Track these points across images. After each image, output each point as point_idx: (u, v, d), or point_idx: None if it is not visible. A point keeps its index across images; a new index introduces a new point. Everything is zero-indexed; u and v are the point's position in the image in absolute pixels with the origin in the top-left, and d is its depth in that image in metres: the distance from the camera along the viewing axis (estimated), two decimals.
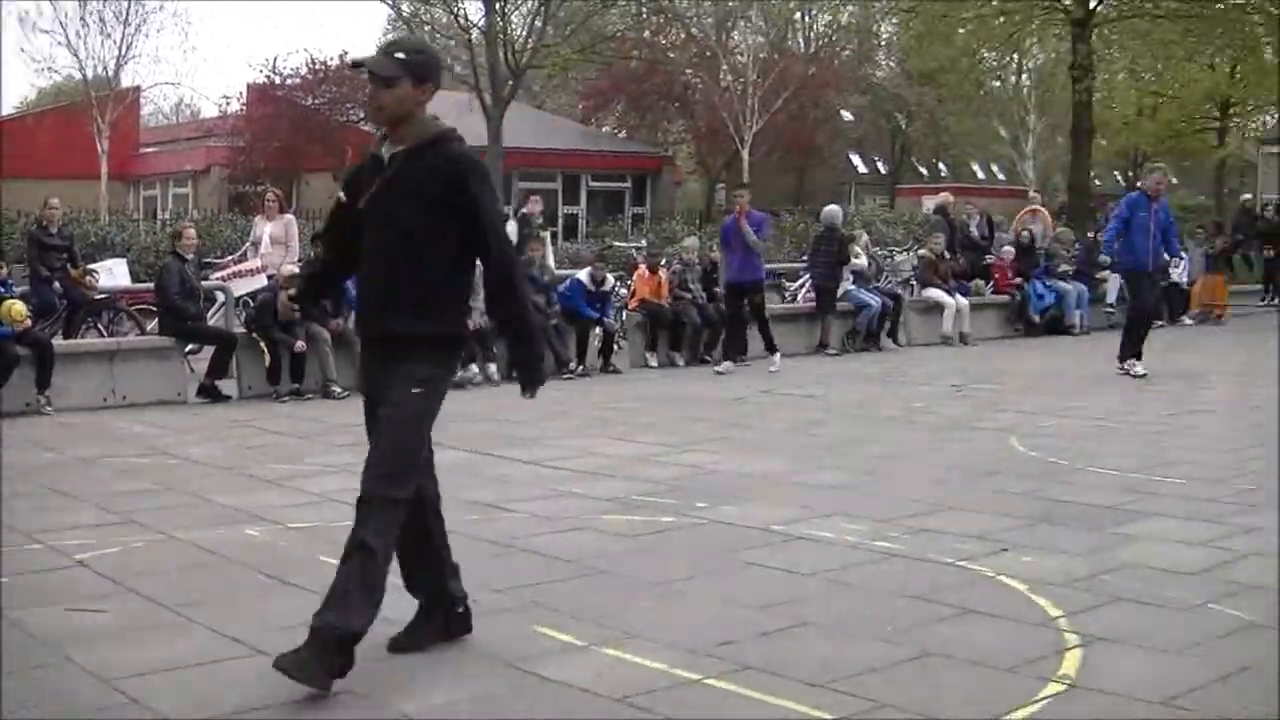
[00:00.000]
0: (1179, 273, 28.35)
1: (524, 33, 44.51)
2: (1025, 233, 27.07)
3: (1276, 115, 57.92)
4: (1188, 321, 28.54)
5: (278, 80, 48.01)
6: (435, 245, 6.00)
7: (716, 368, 19.00)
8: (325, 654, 5.68)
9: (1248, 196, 39.00)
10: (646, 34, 57.51)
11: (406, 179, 5.98)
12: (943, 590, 7.46)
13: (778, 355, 19.39)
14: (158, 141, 59.13)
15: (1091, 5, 35.96)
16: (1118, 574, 7.82)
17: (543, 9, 42.30)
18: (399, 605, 6.27)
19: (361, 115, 44.17)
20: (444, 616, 6.43)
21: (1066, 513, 9.53)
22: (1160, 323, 27.10)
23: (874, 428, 13.95)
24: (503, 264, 6.14)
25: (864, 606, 7.19)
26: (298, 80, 47.80)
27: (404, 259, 5.99)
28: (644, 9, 54.10)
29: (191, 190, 50.66)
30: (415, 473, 6.03)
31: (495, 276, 6.18)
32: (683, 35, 58.05)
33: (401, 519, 5.92)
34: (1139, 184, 19.73)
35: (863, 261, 22.98)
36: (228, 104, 52.32)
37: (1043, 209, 30.75)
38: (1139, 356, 18.42)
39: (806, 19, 66.37)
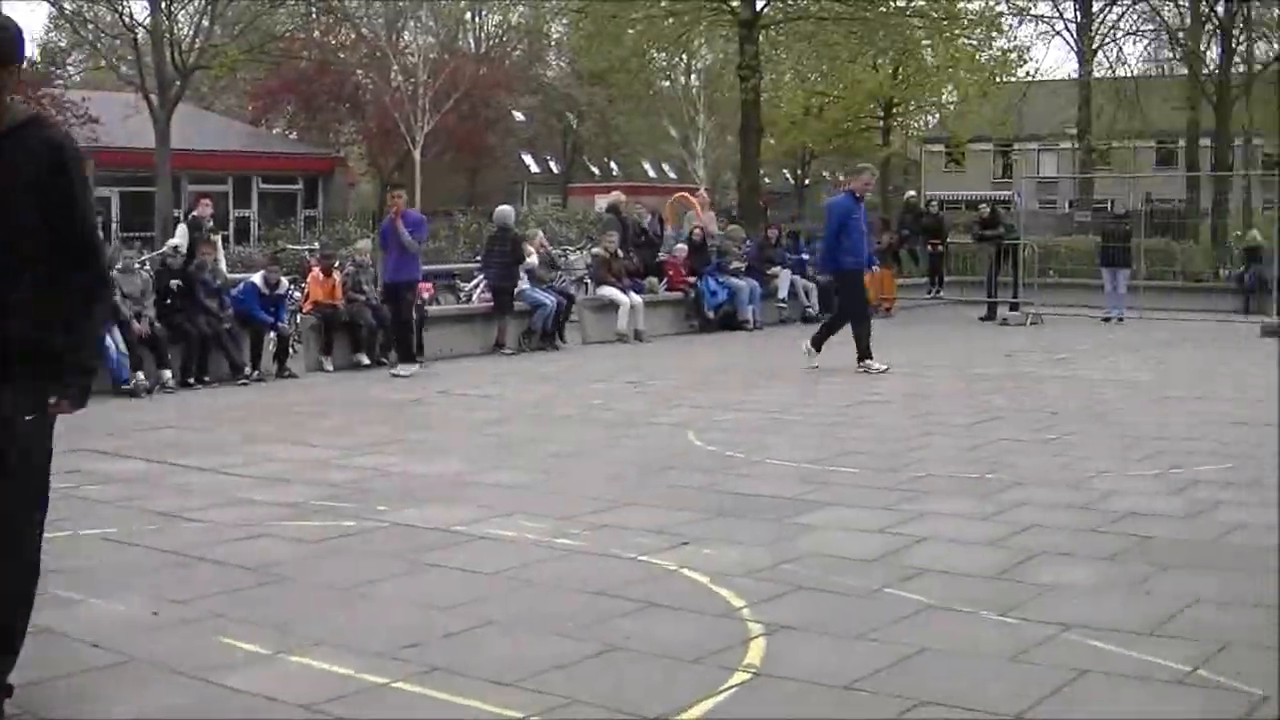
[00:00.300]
0: None
1: (191, 32, 43.59)
2: (697, 230, 27.45)
3: (937, 115, 59.78)
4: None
5: None
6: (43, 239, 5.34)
7: (393, 370, 18.83)
8: None
9: (912, 193, 40.10)
10: (316, 34, 56.87)
11: (8, 164, 5.28)
12: (625, 585, 7.52)
13: (409, 365, 19.03)
14: None
15: (758, 7, 36.60)
16: (797, 563, 7.98)
17: (210, 8, 41.42)
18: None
19: None
20: None
21: (745, 505, 9.69)
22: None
23: (552, 426, 14.01)
24: (88, 278, 5.49)
25: (547, 604, 7.22)
26: None
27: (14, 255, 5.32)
28: (313, 9, 53.39)
29: None
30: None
31: (77, 291, 5.46)
32: (353, 35, 57.61)
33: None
34: (849, 185, 19.86)
35: (534, 260, 23.02)
36: None
37: (692, 198, 31.23)
38: (870, 356, 18.58)
39: (477, 19, 66.46)
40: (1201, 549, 8.39)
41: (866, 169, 21.36)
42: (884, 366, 18.39)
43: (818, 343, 18.89)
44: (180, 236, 20.10)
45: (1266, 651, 6.29)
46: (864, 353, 18.55)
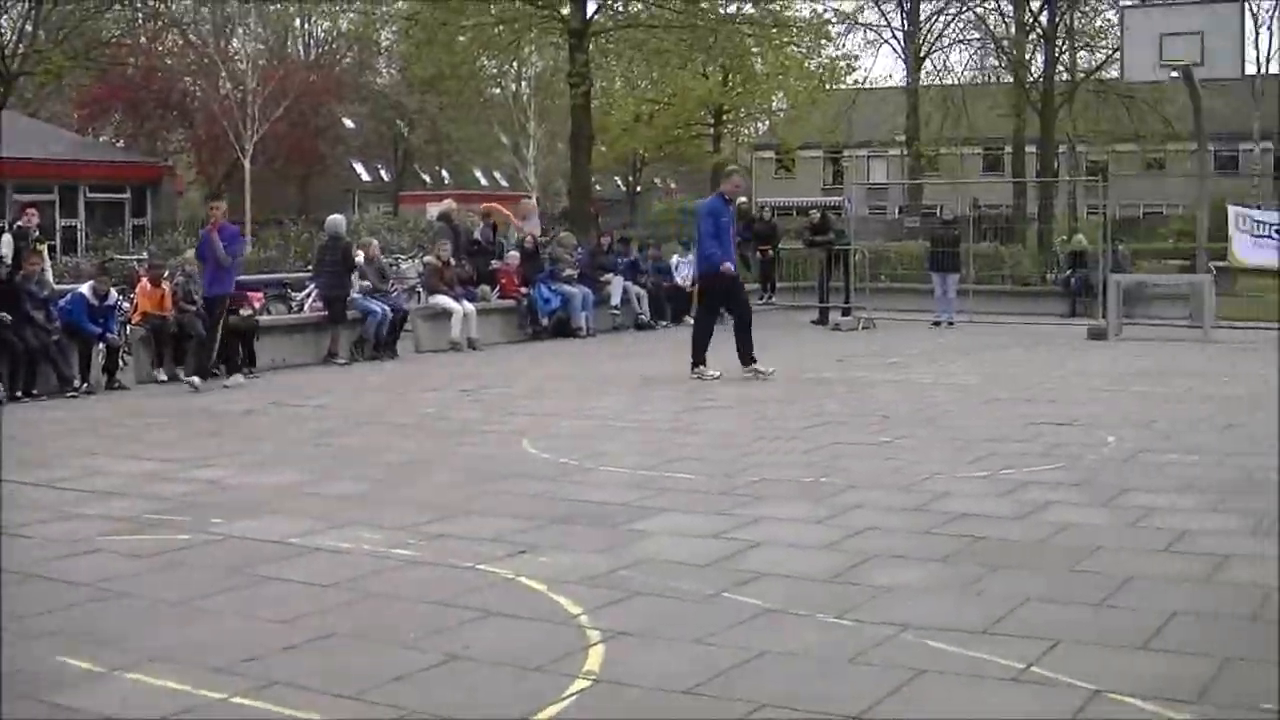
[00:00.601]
0: (682, 275, 29.27)
1: (14, 38, 42.82)
2: (528, 238, 27.45)
3: (768, 122, 60.26)
4: (690, 321, 29.39)
5: None
6: None
7: (224, 382, 18.54)
8: None
9: (743, 200, 40.31)
10: (143, 40, 56.10)
11: None
12: (464, 594, 7.50)
13: (239, 375, 18.83)
14: None
15: (588, 15, 36.65)
16: (634, 569, 8.01)
17: (33, 13, 40.75)
18: None
19: None
20: None
21: (580, 512, 9.70)
22: (665, 323, 27.97)
23: (387, 436, 13.92)
24: None
25: (386, 614, 7.18)
26: None
27: None
28: (139, 14, 52.71)
29: None
30: None
31: None
32: (180, 41, 56.92)
33: None
34: (720, 188, 19.71)
35: (366, 268, 22.87)
36: None
37: (497, 206, 31.18)
38: (754, 358, 18.56)
39: (306, 26, 65.97)
40: (1031, 549, 8.53)
41: (735, 171, 21.56)
42: (717, 373, 18.38)
43: (745, 357, 18.61)
44: (5, 247, 19.75)
45: (1096, 648, 6.43)
46: (699, 358, 18.58)
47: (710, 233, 18.48)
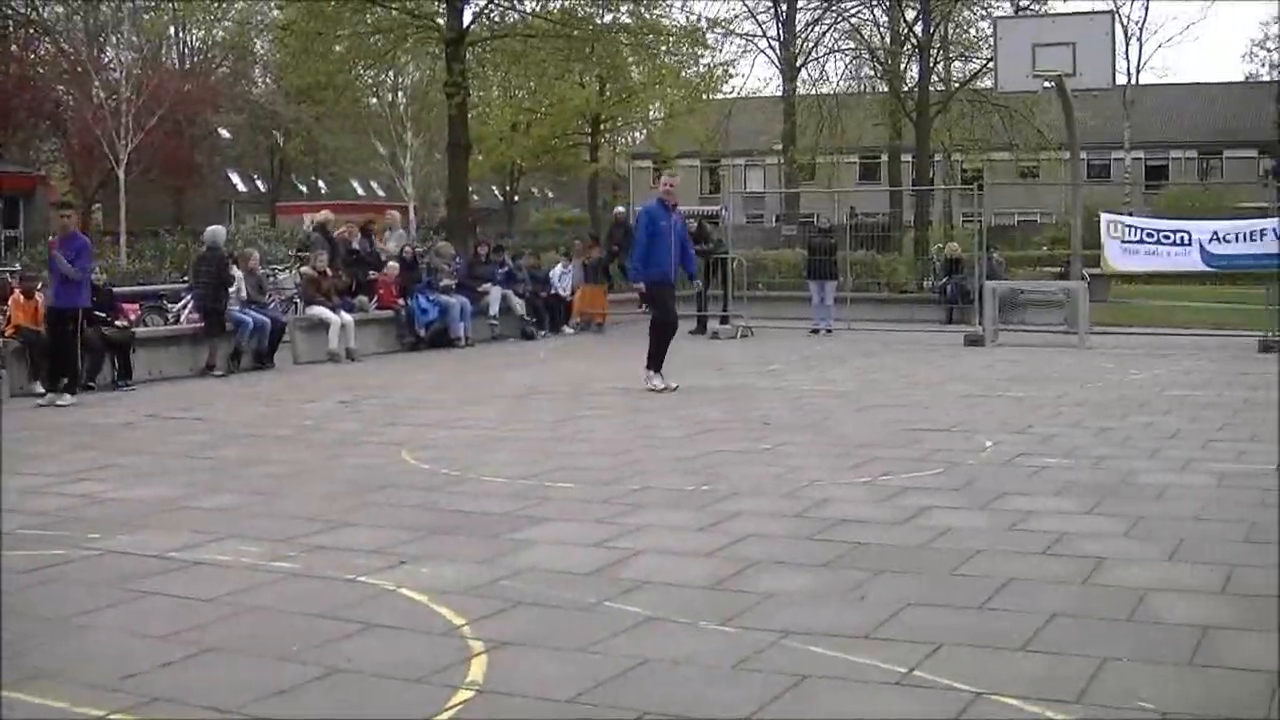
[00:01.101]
0: (563, 285, 29.33)
1: None
2: (408, 249, 27.37)
3: (645, 131, 60.38)
4: (569, 330, 29.49)
5: None
6: None
7: (58, 400, 17.79)
8: None
9: (620, 209, 40.40)
10: (14, 48, 55.31)
11: None
12: (345, 607, 7.44)
13: (69, 395, 17.98)
14: None
15: (465, 25, 36.55)
16: (515, 579, 7.98)
17: None
18: None
19: None
20: None
21: (461, 522, 9.67)
22: (544, 332, 27.98)
23: (265, 447, 13.80)
24: None
25: (267, 628, 7.10)
26: None
27: None
28: (9, 21, 51.99)
29: None
30: None
31: None
32: (53, 49, 56.16)
33: None
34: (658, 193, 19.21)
35: (241, 278, 22.68)
36: None
37: (351, 224, 30.93)
38: (659, 369, 18.25)
39: (181, 34, 65.33)
40: (912, 554, 8.59)
41: (665, 173, 21.31)
42: (666, 385, 18.01)
43: (653, 366, 18.31)
44: None
45: (977, 651, 6.49)
46: (653, 362, 18.28)
47: (644, 241, 18.18)
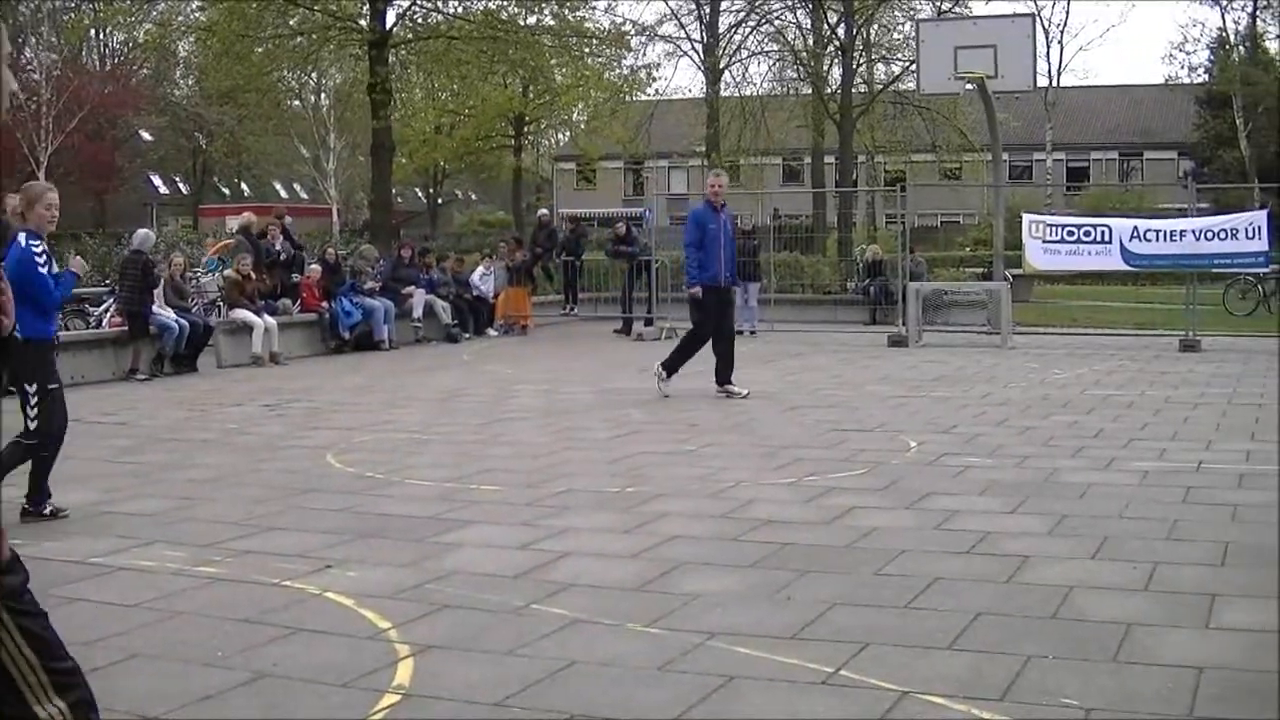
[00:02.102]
0: (484, 287, 29.31)
1: None
2: (330, 252, 27.30)
3: (569, 133, 60.36)
4: (493, 333, 29.47)
5: None
6: None
7: None
8: None
9: (544, 211, 40.40)
10: None
11: None
12: (271, 611, 7.41)
13: None
14: None
15: (388, 26, 36.45)
16: (441, 582, 7.97)
17: None
18: None
19: None
20: None
21: (387, 526, 9.64)
22: (468, 335, 27.96)
23: (190, 451, 13.71)
24: None
25: (193, 633, 7.06)
26: None
27: None
28: None
29: None
30: None
31: None
32: None
33: None
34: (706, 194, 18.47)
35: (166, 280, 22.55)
36: None
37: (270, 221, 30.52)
38: (675, 371, 17.71)
39: (102, 35, 64.81)
40: (838, 554, 8.62)
41: (713, 171, 21.06)
42: (737, 391, 17.52)
43: (671, 367, 17.73)
44: None
45: (903, 650, 6.53)
46: (672, 363, 17.73)
47: (694, 243, 17.50)
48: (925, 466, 12.03)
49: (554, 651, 6.59)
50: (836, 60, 48.15)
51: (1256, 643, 6.58)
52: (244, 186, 78.54)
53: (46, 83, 47.64)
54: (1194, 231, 24.97)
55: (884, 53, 49.33)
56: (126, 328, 21.43)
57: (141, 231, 23.31)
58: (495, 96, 46.59)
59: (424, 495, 10.91)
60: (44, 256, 9.89)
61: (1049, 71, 70.66)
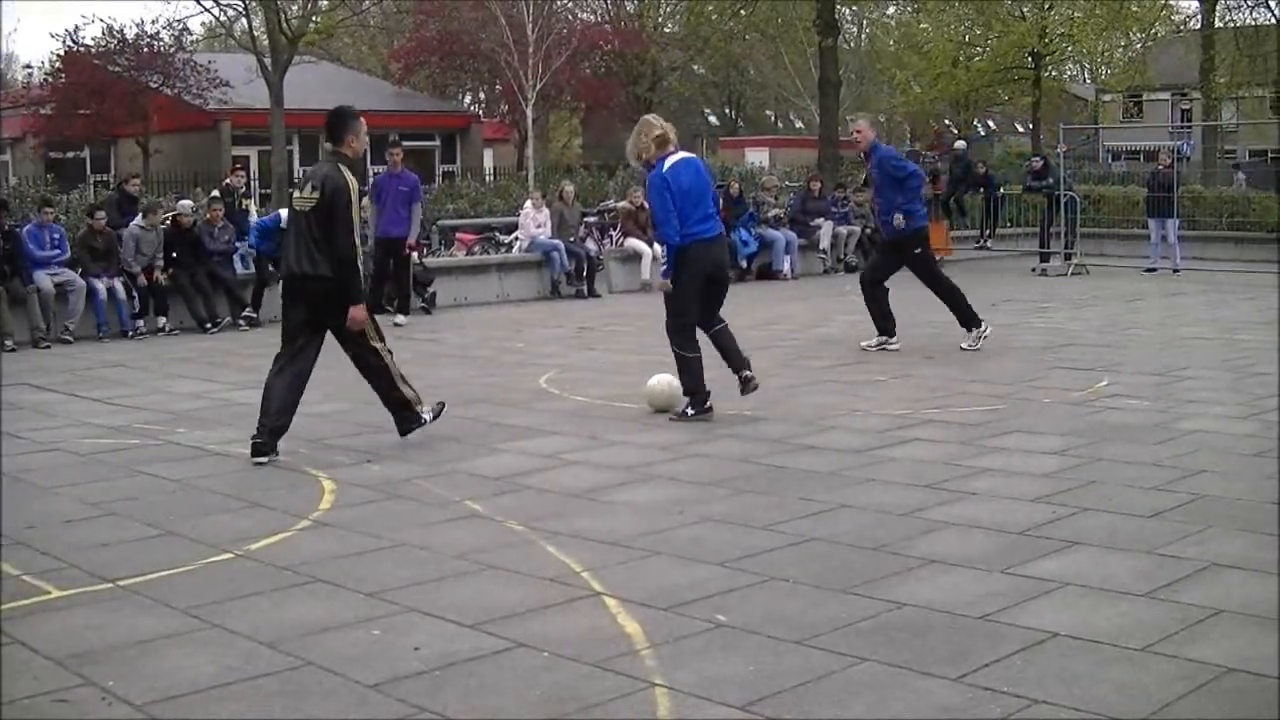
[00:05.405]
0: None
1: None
2: (734, 185, 28.07)
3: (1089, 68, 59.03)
4: None
5: (78, 50, 46.57)
6: None
7: (395, 320, 19.63)
8: None
9: (961, 143, 38.41)
10: None
11: None
12: None
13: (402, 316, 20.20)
14: None
15: None
16: None
17: None
18: None
19: (162, 80, 44.36)
20: None
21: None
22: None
23: None
24: None
25: None
26: (97, 49, 46.47)
27: None
28: None
29: (10, 158, 50.39)
30: None
31: None
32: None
33: None
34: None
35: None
36: (30, 74, 51.86)
37: None
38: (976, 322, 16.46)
39: None
40: None
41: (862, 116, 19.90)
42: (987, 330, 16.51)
43: (966, 322, 16.42)
44: (185, 207, 20.77)
45: None
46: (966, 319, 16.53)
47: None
48: None
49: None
50: None
51: None
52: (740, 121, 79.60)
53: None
54: None
55: None
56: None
57: None
58: (1016, 28, 46.60)
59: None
60: None
61: None
